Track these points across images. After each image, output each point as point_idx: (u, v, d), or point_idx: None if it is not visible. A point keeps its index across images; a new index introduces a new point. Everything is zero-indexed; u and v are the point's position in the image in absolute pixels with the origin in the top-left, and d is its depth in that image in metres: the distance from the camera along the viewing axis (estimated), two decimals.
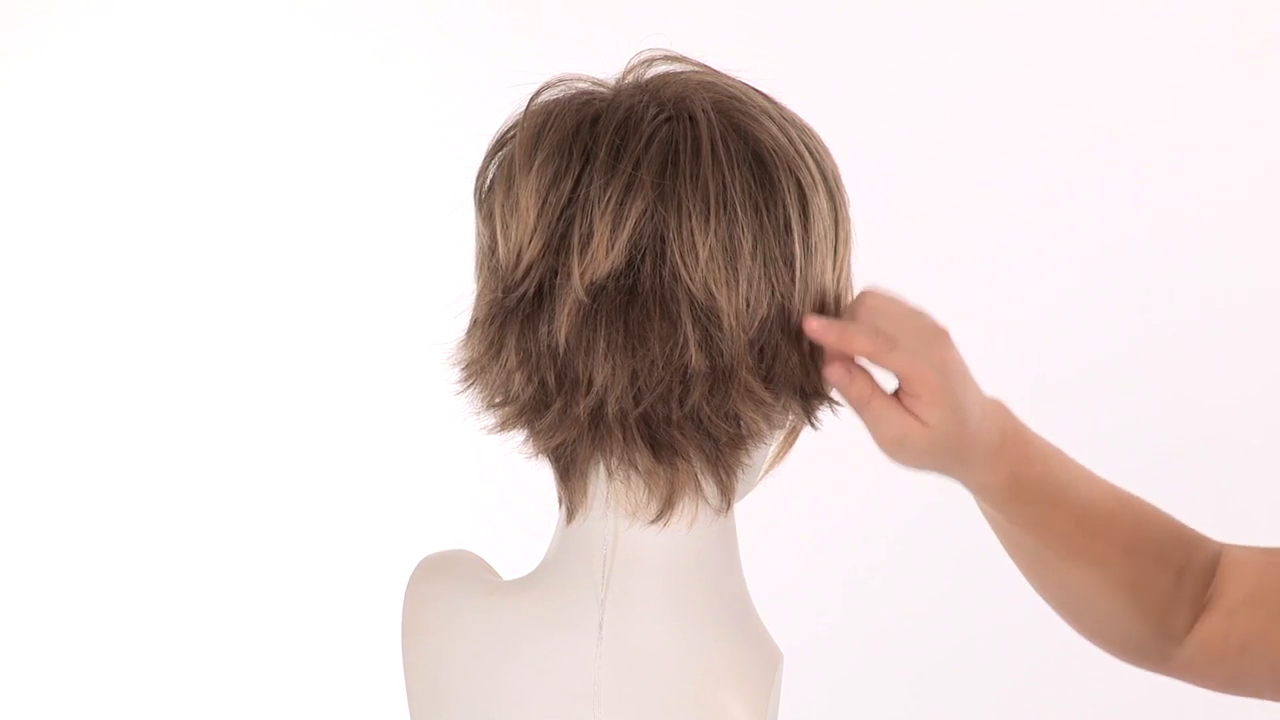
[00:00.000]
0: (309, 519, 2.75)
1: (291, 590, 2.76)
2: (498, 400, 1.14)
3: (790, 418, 1.14)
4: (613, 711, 1.13)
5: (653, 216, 1.08)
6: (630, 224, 1.08)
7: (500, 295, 1.11)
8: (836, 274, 1.13)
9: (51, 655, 2.78)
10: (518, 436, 1.15)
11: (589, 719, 1.14)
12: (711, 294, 1.07)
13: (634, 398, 1.09)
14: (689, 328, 1.08)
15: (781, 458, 1.19)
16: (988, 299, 2.56)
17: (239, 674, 2.77)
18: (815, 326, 1.10)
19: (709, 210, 1.07)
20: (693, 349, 1.07)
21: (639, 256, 1.08)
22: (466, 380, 1.15)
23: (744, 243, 1.08)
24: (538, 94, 1.13)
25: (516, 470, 1.22)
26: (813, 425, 1.14)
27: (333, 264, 2.72)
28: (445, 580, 1.23)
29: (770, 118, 1.11)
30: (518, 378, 1.11)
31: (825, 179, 1.12)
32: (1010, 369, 2.58)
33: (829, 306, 1.12)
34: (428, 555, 1.26)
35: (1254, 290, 2.57)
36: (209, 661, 2.77)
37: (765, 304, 1.08)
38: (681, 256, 1.07)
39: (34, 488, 2.76)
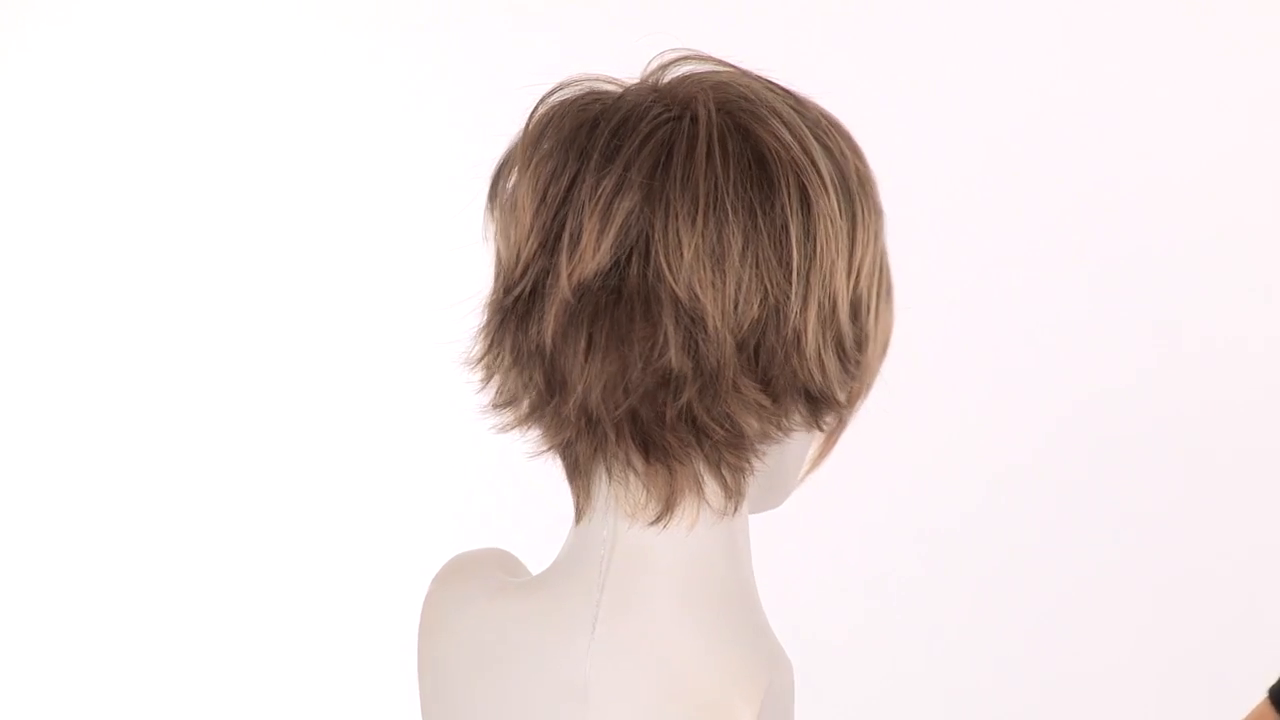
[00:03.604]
0: (310, 519, 2.76)
1: (293, 591, 2.77)
2: (499, 401, 1.14)
3: (817, 421, 1.12)
4: (601, 711, 1.13)
5: (640, 216, 1.07)
6: (616, 223, 1.07)
7: (501, 295, 1.12)
8: (853, 278, 1.10)
9: (53, 655, 2.78)
10: (524, 435, 1.15)
11: (579, 719, 1.14)
12: (695, 295, 1.06)
13: (615, 399, 1.08)
14: (670, 329, 1.06)
15: (821, 460, 1.18)
16: (1007, 309, 2.56)
17: (238, 674, 2.77)
18: None
19: (697, 210, 1.06)
20: (673, 350, 1.06)
21: (625, 256, 1.07)
22: (484, 381, 1.15)
23: (733, 243, 1.06)
24: (550, 94, 1.13)
25: (526, 470, 1.21)
26: (820, 429, 1.13)
27: (343, 265, 2.73)
28: (458, 581, 1.24)
29: (780, 118, 1.09)
30: (513, 378, 1.12)
31: (841, 181, 1.10)
32: (1032, 378, 2.57)
33: (840, 308, 1.10)
34: (455, 555, 1.27)
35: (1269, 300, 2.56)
36: (208, 661, 2.77)
37: (755, 306, 1.07)
38: (666, 256, 1.06)
39: (38, 488, 2.77)
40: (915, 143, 2.52)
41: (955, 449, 2.56)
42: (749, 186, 1.07)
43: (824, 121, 1.12)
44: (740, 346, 1.07)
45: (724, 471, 1.11)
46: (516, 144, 1.14)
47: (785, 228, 1.07)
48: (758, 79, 1.12)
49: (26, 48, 2.71)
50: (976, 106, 2.58)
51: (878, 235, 1.12)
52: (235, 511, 2.76)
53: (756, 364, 1.08)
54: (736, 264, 1.06)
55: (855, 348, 1.12)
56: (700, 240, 1.06)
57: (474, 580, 1.23)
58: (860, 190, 1.11)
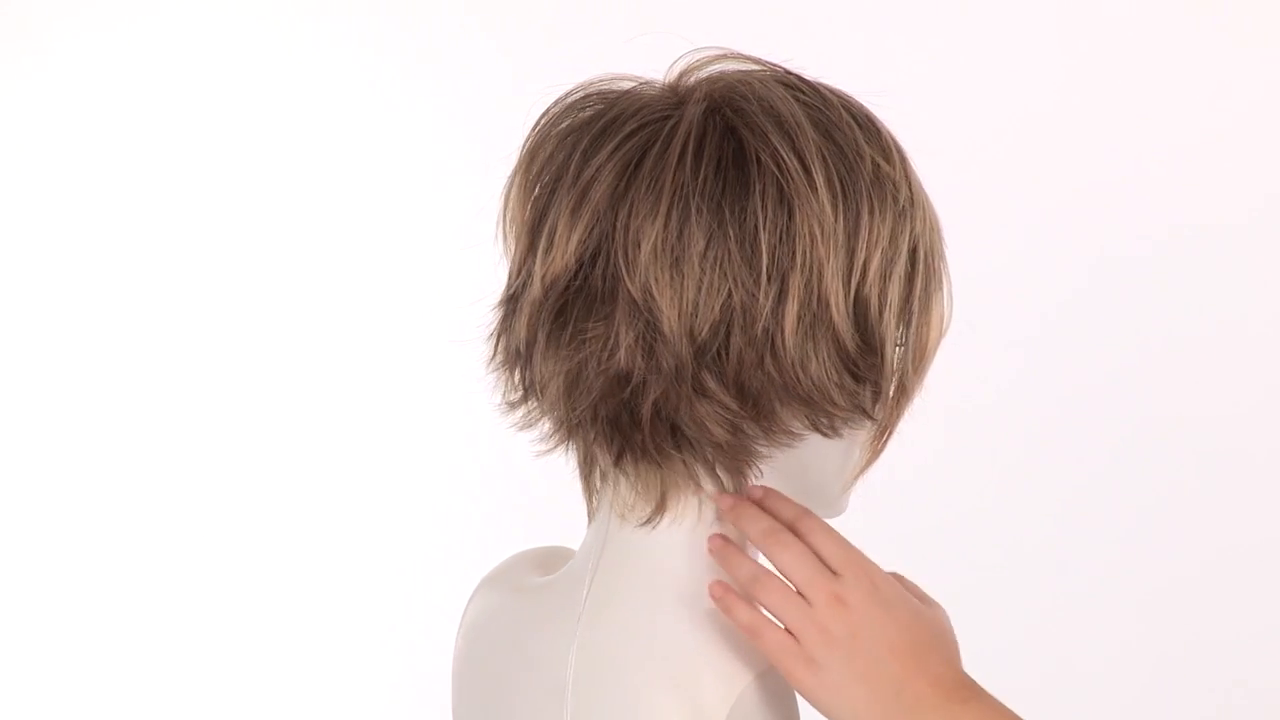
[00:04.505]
0: (327, 521, 2.76)
1: (305, 589, 2.77)
2: (512, 399, 1.14)
3: (816, 425, 1.10)
4: (577, 711, 1.12)
5: (605, 216, 1.06)
6: (583, 222, 1.07)
7: (504, 296, 1.12)
8: (855, 279, 1.07)
9: (52, 655, 2.78)
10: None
11: (561, 717, 1.14)
12: (651, 294, 1.05)
13: (576, 400, 1.08)
14: (622, 329, 1.06)
15: (868, 466, 1.16)
16: (997, 306, 2.56)
17: (242, 674, 2.77)
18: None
19: (658, 211, 1.05)
20: (622, 351, 1.06)
21: (590, 256, 1.07)
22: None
23: (694, 243, 1.05)
24: (566, 95, 1.13)
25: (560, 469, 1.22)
26: (822, 433, 1.10)
27: (366, 267, 2.73)
28: (491, 583, 1.26)
29: (777, 119, 1.07)
30: (505, 378, 1.13)
31: (847, 181, 1.07)
32: (1028, 373, 2.57)
33: (835, 310, 1.07)
34: (510, 555, 1.28)
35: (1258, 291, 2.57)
36: (214, 661, 2.77)
37: (717, 308, 1.05)
38: (625, 256, 1.05)
39: (48, 488, 2.77)
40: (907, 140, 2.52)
41: (952, 444, 2.56)
42: (721, 188, 1.05)
43: (846, 119, 1.09)
44: (702, 348, 1.05)
45: (720, 473, 1.11)
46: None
47: (756, 229, 1.05)
48: (787, 78, 1.11)
49: (32, 52, 2.71)
50: (962, 104, 2.58)
51: (896, 237, 1.08)
52: (245, 511, 2.76)
53: (724, 366, 1.06)
54: (696, 265, 1.05)
55: (863, 351, 1.08)
56: (659, 240, 1.05)
57: (502, 581, 1.24)
58: (872, 191, 1.08)
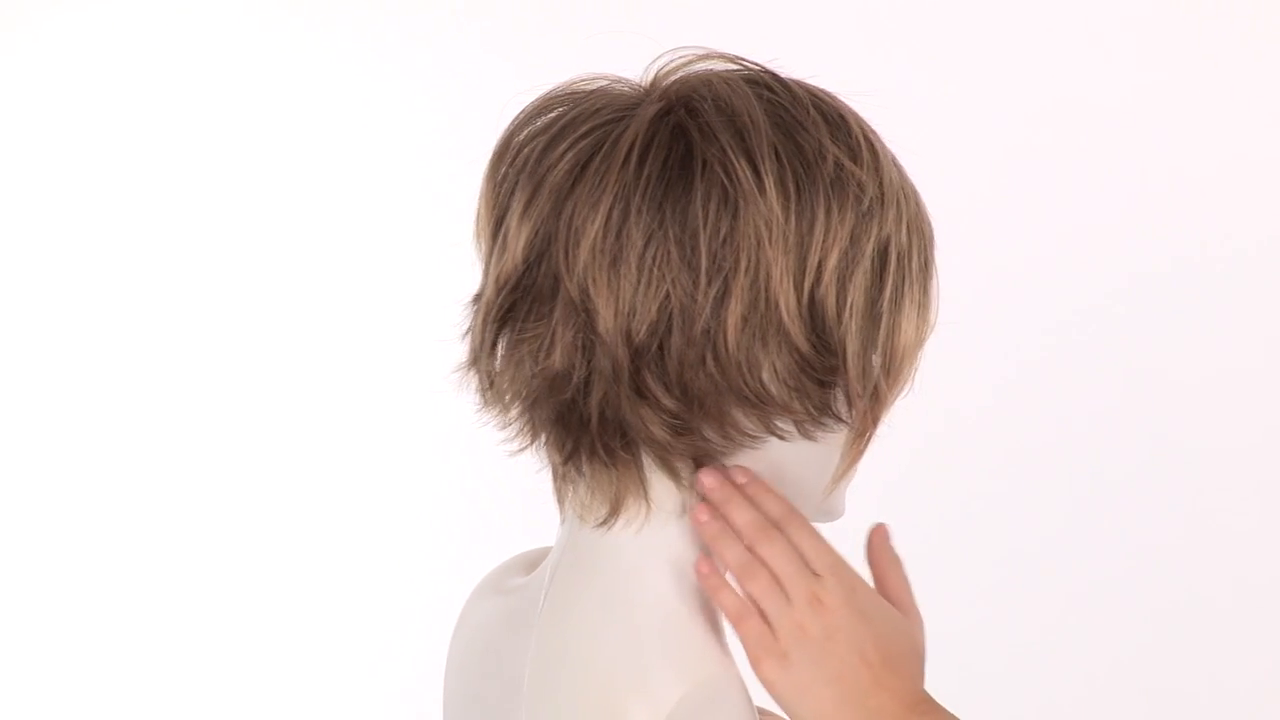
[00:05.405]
0: (318, 521, 2.76)
1: (302, 592, 2.77)
2: (481, 401, 1.14)
3: (768, 426, 1.09)
4: (532, 712, 1.12)
5: (550, 217, 1.06)
6: (530, 224, 1.07)
7: (472, 297, 1.13)
8: (809, 279, 1.06)
9: (52, 657, 2.78)
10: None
11: (518, 718, 1.14)
12: (588, 294, 1.05)
13: (520, 400, 1.09)
14: (559, 328, 1.06)
15: (849, 467, 1.14)
16: (1007, 312, 2.55)
17: (239, 674, 2.77)
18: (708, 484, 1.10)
19: (598, 211, 1.05)
20: (558, 351, 1.06)
21: (535, 257, 1.07)
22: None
23: (632, 243, 1.04)
24: (541, 97, 1.13)
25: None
26: (778, 436, 1.09)
27: (357, 267, 2.73)
28: (483, 585, 1.26)
29: (731, 118, 1.06)
30: (473, 377, 1.13)
31: (803, 181, 1.05)
32: (1036, 380, 2.56)
33: (785, 311, 1.05)
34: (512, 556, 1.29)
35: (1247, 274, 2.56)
36: (210, 662, 2.77)
37: (654, 308, 1.04)
38: (565, 256, 1.05)
39: (35, 488, 2.77)
40: (918, 146, 2.51)
41: (956, 446, 2.56)
42: (664, 189, 1.04)
43: (812, 117, 1.07)
44: (640, 349, 1.05)
45: (674, 475, 1.10)
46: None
47: (696, 231, 1.04)
48: (759, 77, 1.09)
49: (30, 51, 2.71)
50: (972, 108, 2.58)
51: (858, 237, 1.06)
52: (244, 511, 2.77)
53: (665, 366, 1.06)
54: (634, 265, 1.04)
55: (820, 351, 1.07)
56: (598, 239, 1.04)
57: (492, 583, 1.25)
58: (832, 190, 1.06)
